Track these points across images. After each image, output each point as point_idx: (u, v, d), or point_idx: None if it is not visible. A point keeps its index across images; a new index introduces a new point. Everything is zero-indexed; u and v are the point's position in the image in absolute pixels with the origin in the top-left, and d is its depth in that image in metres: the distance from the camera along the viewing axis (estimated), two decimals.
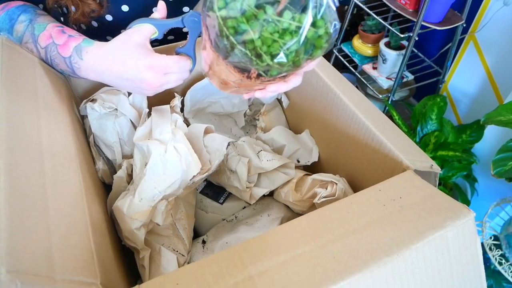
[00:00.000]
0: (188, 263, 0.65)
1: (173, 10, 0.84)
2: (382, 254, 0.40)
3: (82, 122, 0.77)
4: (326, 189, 0.67)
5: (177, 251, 0.64)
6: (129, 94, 0.76)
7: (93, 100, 0.74)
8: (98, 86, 0.79)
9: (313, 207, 0.70)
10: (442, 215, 0.44)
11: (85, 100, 0.75)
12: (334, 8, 0.48)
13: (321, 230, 0.44)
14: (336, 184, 0.66)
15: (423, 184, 0.50)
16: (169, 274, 0.41)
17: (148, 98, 0.76)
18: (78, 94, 0.80)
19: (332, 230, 0.43)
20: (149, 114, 0.76)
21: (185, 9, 0.87)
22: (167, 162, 0.63)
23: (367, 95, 2.00)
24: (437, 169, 0.54)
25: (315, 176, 0.71)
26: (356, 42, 2.05)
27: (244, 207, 0.78)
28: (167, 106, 0.72)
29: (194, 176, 0.65)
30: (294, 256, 0.41)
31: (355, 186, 0.69)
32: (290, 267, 0.40)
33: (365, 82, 1.94)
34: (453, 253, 0.43)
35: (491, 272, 1.28)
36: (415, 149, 0.58)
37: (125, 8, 0.81)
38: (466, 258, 0.44)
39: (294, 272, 0.39)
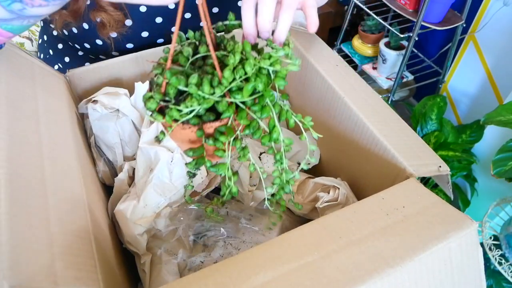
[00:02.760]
0: (188, 267, 0.65)
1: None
2: (385, 265, 0.40)
3: (82, 122, 0.77)
4: (328, 193, 0.67)
5: (177, 255, 0.64)
6: (131, 95, 0.76)
7: (94, 101, 0.74)
8: (98, 86, 0.79)
9: (314, 210, 0.70)
10: (445, 226, 0.44)
11: (85, 100, 0.75)
12: None
13: (325, 239, 0.44)
14: (338, 188, 0.66)
15: (426, 192, 0.49)
16: (172, 284, 0.41)
17: None
18: (78, 94, 0.80)
19: (335, 240, 0.43)
20: None
21: (174, 29, 0.87)
22: (174, 170, 0.64)
23: None
24: (445, 170, 0.54)
25: (317, 179, 0.71)
26: (356, 42, 2.05)
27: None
28: None
29: (203, 190, 0.66)
30: (298, 267, 0.41)
31: (357, 191, 0.69)
32: (294, 278, 0.40)
33: (365, 82, 1.94)
34: (456, 264, 0.43)
35: (491, 272, 1.28)
36: (423, 151, 0.57)
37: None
38: (468, 268, 0.44)
39: (298, 283, 0.39)
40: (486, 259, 1.20)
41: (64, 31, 0.85)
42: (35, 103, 0.59)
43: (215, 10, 0.87)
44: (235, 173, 0.54)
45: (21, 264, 0.35)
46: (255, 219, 0.73)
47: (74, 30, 0.83)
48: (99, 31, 0.80)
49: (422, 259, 0.41)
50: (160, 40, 0.87)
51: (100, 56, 0.89)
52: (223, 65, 0.49)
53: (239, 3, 0.90)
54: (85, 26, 0.81)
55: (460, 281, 0.44)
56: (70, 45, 0.91)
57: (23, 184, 0.44)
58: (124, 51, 0.85)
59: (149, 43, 0.85)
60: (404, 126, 0.62)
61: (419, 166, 0.55)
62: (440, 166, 0.54)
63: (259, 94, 0.49)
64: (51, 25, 0.93)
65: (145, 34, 0.84)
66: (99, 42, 0.84)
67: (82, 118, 0.77)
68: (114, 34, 0.82)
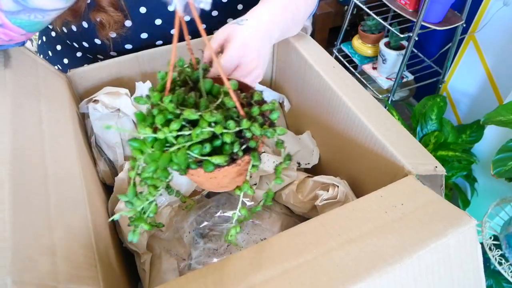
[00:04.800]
0: (188, 267, 0.65)
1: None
2: (384, 263, 0.40)
3: (83, 122, 0.77)
4: (328, 191, 0.67)
5: (177, 255, 0.65)
6: (131, 94, 0.76)
7: (95, 101, 0.74)
8: (99, 85, 0.79)
9: (314, 208, 0.70)
10: (444, 222, 0.44)
11: (85, 100, 0.75)
12: None
13: (324, 237, 0.44)
14: (338, 186, 0.67)
15: (424, 190, 0.50)
16: (171, 283, 0.41)
17: None
18: (79, 93, 0.80)
19: (334, 238, 0.44)
20: None
21: (173, 31, 0.88)
22: None
23: None
24: (441, 170, 0.54)
25: (316, 178, 0.71)
26: (356, 42, 2.05)
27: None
28: None
29: (203, 189, 0.66)
30: (297, 265, 0.41)
31: (356, 189, 0.69)
32: (293, 276, 0.40)
33: (365, 82, 1.94)
34: (455, 260, 0.43)
35: (491, 272, 1.28)
36: (419, 152, 0.58)
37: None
38: (467, 265, 0.44)
39: (297, 281, 0.39)
40: (486, 259, 1.20)
41: (64, 28, 0.85)
42: (38, 102, 0.60)
43: (214, 13, 0.88)
44: None
45: (23, 261, 0.36)
46: (257, 215, 0.73)
47: (74, 28, 0.83)
48: (98, 31, 0.80)
49: (421, 256, 0.41)
50: (159, 42, 0.87)
51: (98, 56, 0.89)
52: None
53: (239, 7, 0.90)
54: (85, 24, 0.81)
55: (459, 277, 0.44)
56: (68, 46, 0.91)
57: (26, 182, 0.44)
58: (122, 52, 0.85)
59: (148, 45, 0.85)
60: (401, 129, 0.62)
61: (417, 164, 0.55)
62: (436, 167, 0.55)
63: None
64: (49, 26, 0.93)
65: (144, 35, 0.85)
66: (97, 41, 0.84)
67: (83, 118, 0.77)
68: (113, 35, 0.82)
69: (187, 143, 0.42)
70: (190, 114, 0.42)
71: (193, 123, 0.44)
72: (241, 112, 0.45)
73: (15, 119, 0.52)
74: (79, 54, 0.92)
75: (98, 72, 0.79)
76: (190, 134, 0.42)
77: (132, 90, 0.76)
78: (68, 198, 0.50)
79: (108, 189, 0.74)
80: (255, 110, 0.46)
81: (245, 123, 0.44)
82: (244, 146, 0.45)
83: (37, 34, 1.05)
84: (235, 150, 0.44)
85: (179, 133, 0.42)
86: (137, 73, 0.82)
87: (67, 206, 0.48)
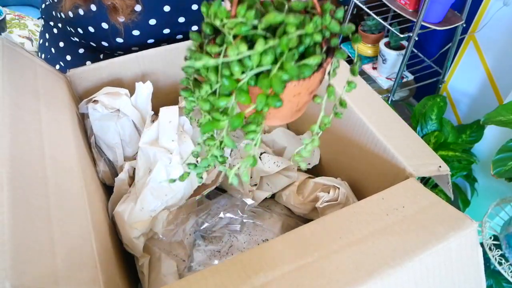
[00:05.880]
0: (188, 269, 0.65)
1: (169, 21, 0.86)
2: (385, 266, 0.40)
3: (83, 122, 0.77)
4: (328, 193, 0.67)
5: (177, 257, 0.64)
6: (131, 95, 0.76)
7: (95, 101, 0.74)
8: (99, 85, 0.79)
9: (314, 210, 0.70)
10: (445, 226, 0.44)
11: (85, 100, 0.75)
12: None
13: (325, 240, 0.44)
14: (338, 188, 0.66)
15: (425, 192, 0.50)
16: (172, 285, 0.41)
17: (152, 99, 0.76)
18: (79, 94, 0.80)
19: (335, 240, 0.44)
20: (153, 116, 0.76)
21: (181, 19, 0.87)
22: (172, 172, 0.63)
23: None
24: (445, 170, 0.54)
25: (317, 179, 0.71)
26: None
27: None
28: (176, 107, 0.72)
29: (204, 189, 0.66)
30: (298, 267, 0.41)
31: (357, 191, 0.69)
32: (293, 278, 0.40)
33: (365, 82, 1.94)
34: (456, 264, 0.43)
35: (491, 272, 1.28)
36: (423, 152, 0.57)
37: None
38: (468, 268, 0.44)
39: (298, 284, 0.39)
40: (486, 259, 1.20)
41: (70, 13, 0.84)
42: (37, 102, 0.59)
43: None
44: None
45: (23, 264, 0.36)
46: (258, 216, 0.73)
47: (81, 12, 0.83)
48: (110, 15, 0.80)
49: (422, 259, 0.41)
50: (166, 31, 0.87)
51: (103, 43, 0.88)
52: None
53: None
54: (93, 8, 0.81)
55: (460, 280, 0.44)
56: (71, 42, 0.91)
57: (25, 183, 0.44)
58: (129, 38, 0.85)
59: (156, 33, 0.85)
60: (404, 126, 0.62)
61: (418, 166, 0.55)
62: (440, 166, 0.54)
63: None
64: (51, 22, 0.93)
65: (152, 21, 0.84)
66: (104, 26, 0.84)
67: (83, 118, 0.77)
68: (122, 19, 0.82)
69: (282, 56, 0.38)
70: (275, 16, 0.36)
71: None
72: (318, 10, 0.42)
73: (14, 120, 0.51)
74: (81, 50, 0.92)
75: (98, 72, 0.78)
76: (273, 46, 0.37)
77: (132, 91, 0.76)
78: (68, 199, 0.49)
79: (108, 189, 0.74)
80: (328, 6, 0.43)
81: (327, 18, 0.40)
82: (324, 48, 0.42)
83: (38, 34, 1.05)
84: (317, 52, 0.41)
85: (266, 46, 0.37)
86: (137, 73, 0.82)
87: (67, 207, 0.48)
